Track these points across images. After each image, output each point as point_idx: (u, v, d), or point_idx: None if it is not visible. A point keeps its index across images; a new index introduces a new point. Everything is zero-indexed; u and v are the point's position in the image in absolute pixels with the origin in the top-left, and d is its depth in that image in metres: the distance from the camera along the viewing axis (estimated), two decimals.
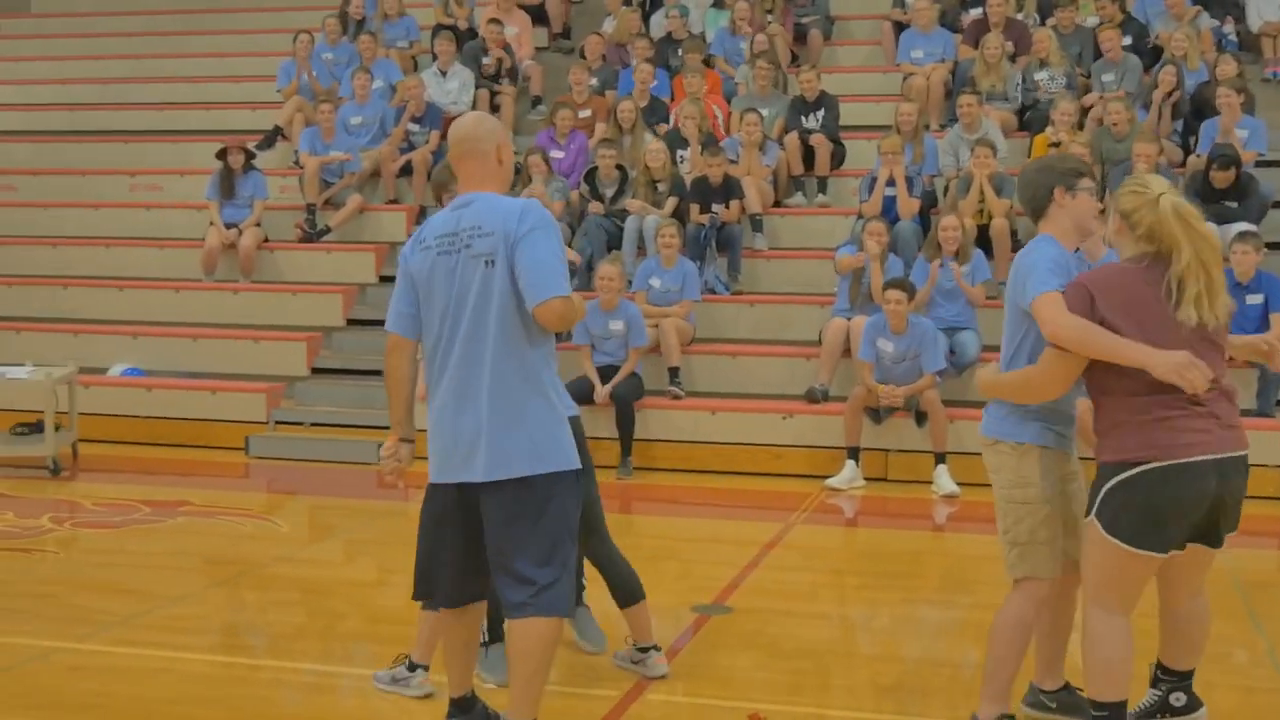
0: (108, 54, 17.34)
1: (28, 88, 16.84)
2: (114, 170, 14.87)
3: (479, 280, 4.36)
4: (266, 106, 15.19)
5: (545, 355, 4.45)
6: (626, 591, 5.62)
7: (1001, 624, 4.95)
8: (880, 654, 6.46)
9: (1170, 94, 12.34)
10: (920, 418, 10.03)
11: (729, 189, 11.94)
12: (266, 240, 13.07)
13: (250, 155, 13.16)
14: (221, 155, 13.05)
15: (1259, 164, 11.94)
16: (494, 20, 14.83)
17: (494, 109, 14.48)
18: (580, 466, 4.52)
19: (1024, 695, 5.28)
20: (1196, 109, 12.42)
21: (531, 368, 4.38)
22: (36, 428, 10.16)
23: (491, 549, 4.45)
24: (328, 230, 13.18)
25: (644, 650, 5.68)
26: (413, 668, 5.44)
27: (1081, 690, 5.24)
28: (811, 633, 6.63)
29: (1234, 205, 11.07)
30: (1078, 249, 5.03)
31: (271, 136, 14.48)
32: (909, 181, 11.79)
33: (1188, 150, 12.22)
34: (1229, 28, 13.99)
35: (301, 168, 13.47)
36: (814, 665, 6.07)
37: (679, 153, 12.66)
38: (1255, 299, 10.13)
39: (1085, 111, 12.78)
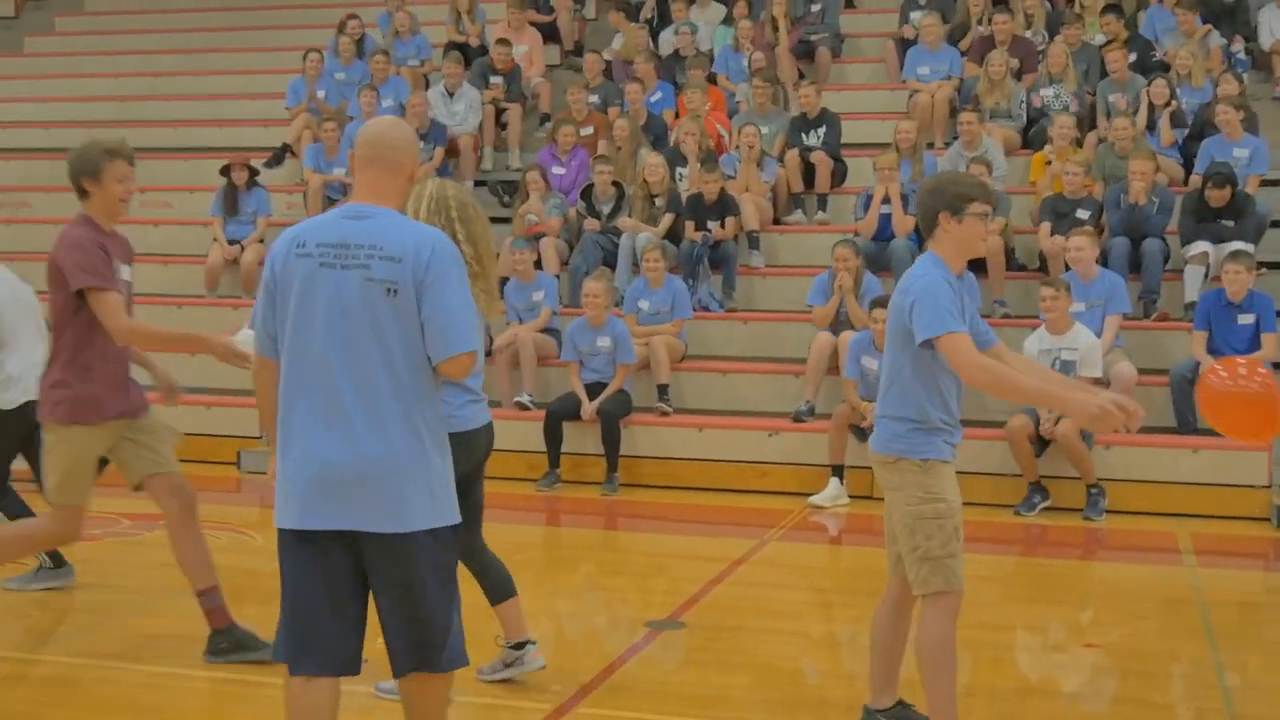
0: (128, 72, 17.55)
1: (50, 105, 17.05)
2: None
3: (376, 307, 3.90)
4: (279, 124, 15.32)
5: (439, 395, 4.09)
6: (499, 588, 5.58)
7: (927, 645, 4.90)
8: (825, 670, 6.41)
9: (1166, 105, 12.23)
10: None
11: (724, 206, 11.93)
12: None
13: (254, 172, 13.30)
14: (225, 172, 13.20)
15: (1263, 183, 11.83)
16: (502, 41, 14.89)
17: (501, 126, 14.59)
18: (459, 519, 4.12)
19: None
20: (1200, 128, 12.30)
21: (433, 408, 4.02)
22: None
23: (383, 604, 4.02)
24: None
25: (519, 646, 5.65)
26: (519, 645, 5.58)
27: (914, 705, 5.21)
28: (761, 648, 6.58)
29: (1230, 224, 10.96)
30: (961, 273, 4.99)
31: (280, 154, 14.61)
32: (904, 199, 11.74)
33: (1189, 169, 12.11)
34: (1238, 46, 13.86)
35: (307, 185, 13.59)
36: (752, 680, 6.04)
37: (678, 170, 12.67)
38: (1247, 319, 10.06)
39: (1092, 128, 12.74)
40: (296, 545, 3.98)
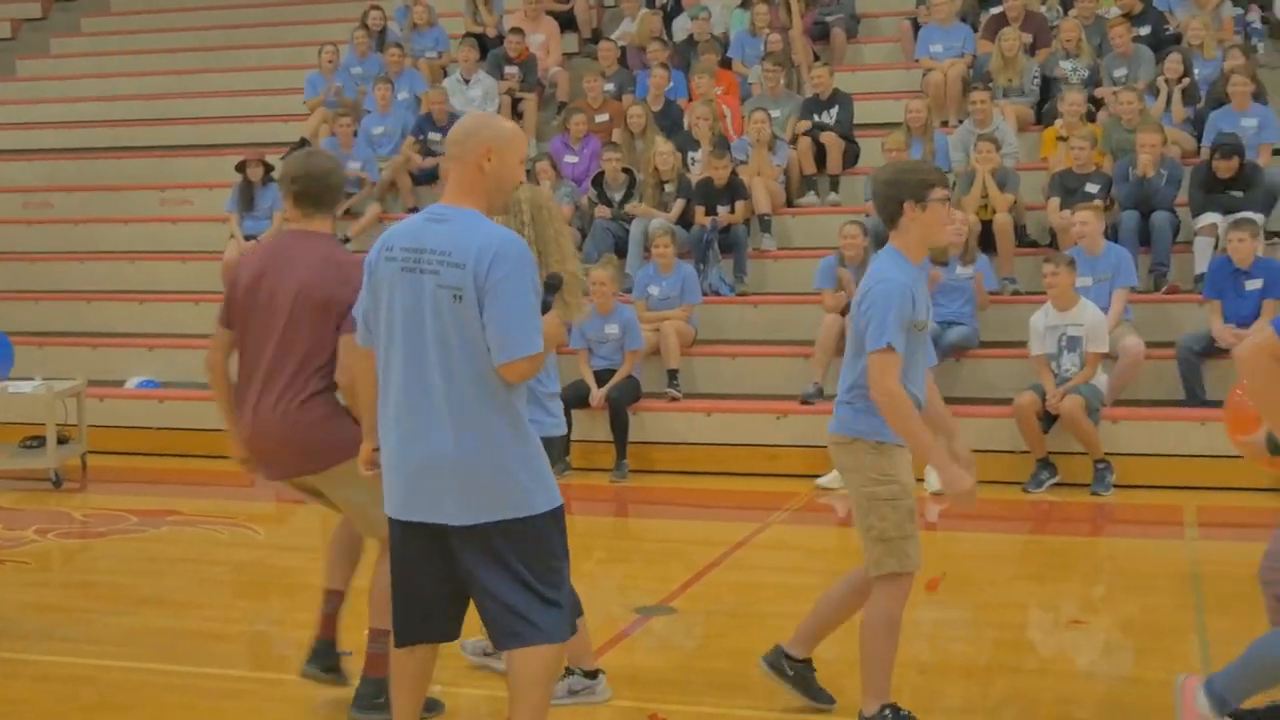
0: (153, 70, 17.71)
1: (75, 105, 17.22)
2: (146, 185, 15.22)
3: (446, 311, 4.07)
4: (299, 119, 15.44)
5: (520, 391, 4.17)
6: None
7: (872, 623, 4.98)
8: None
9: (1180, 80, 12.11)
10: None
11: (734, 190, 11.93)
12: None
13: (269, 168, 13.40)
14: (241, 168, 13.30)
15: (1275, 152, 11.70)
16: (516, 30, 14.92)
17: (516, 115, 14.62)
18: (560, 502, 4.25)
19: (766, 653, 5.39)
20: (1217, 100, 12.14)
21: (506, 404, 4.12)
22: (44, 440, 10.39)
23: (474, 590, 4.21)
24: (347, 240, 13.35)
25: None
26: (592, 675, 5.49)
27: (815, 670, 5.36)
28: (745, 633, 6.59)
29: (1239, 194, 10.85)
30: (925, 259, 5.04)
31: (297, 149, 14.69)
32: None
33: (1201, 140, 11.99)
34: (1254, 15, 13.68)
35: None
36: (734, 666, 6.04)
37: (690, 155, 12.67)
38: (1254, 284, 9.99)
39: (1100, 103, 12.62)
40: (396, 530, 4.28)
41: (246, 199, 13.30)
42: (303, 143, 14.75)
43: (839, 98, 12.98)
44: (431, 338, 4.08)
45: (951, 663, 6.23)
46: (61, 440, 10.38)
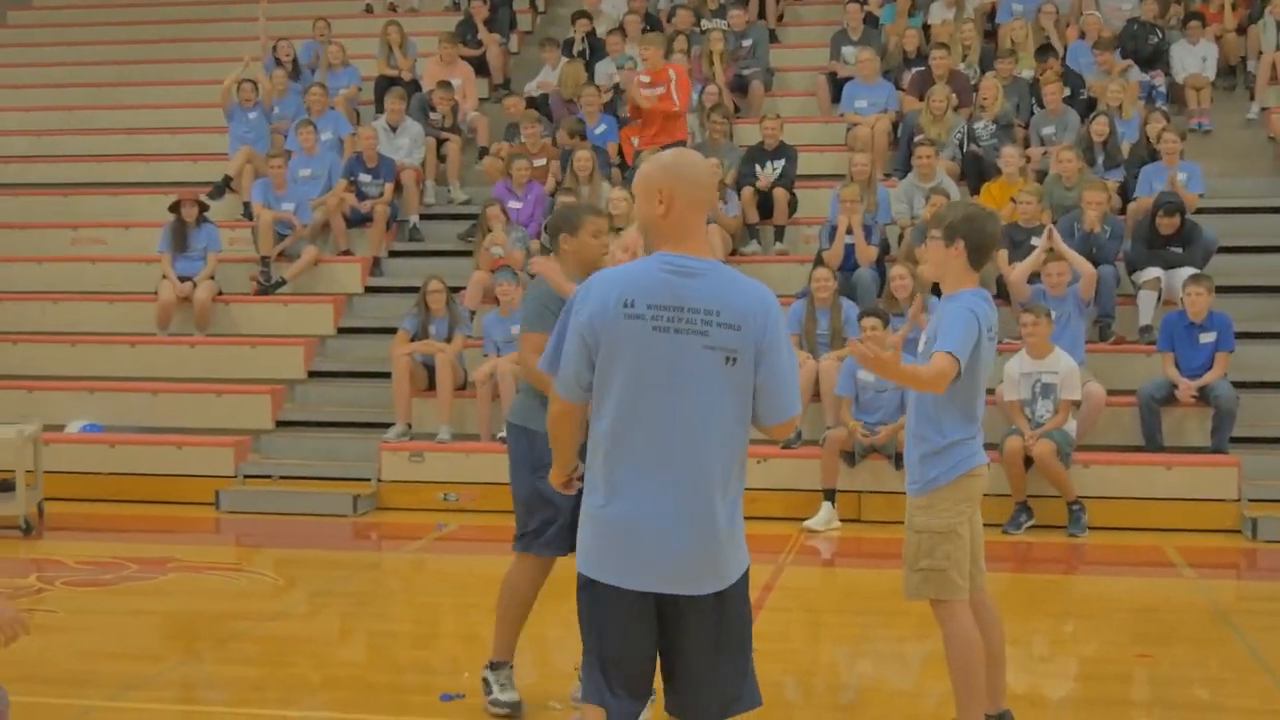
0: (39, 105, 17.13)
1: None
2: (53, 224, 14.70)
3: (713, 374, 3.86)
4: (207, 158, 15.18)
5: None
6: None
7: None
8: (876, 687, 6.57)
9: (1104, 142, 12.75)
10: (899, 460, 10.22)
11: None
12: (221, 293, 12.97)
13: (204, 208, 13.10)
14: (175, 208, 12.97)
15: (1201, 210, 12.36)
16: (444, 84, 14.84)
17: (441, 159, 14.58)
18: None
19: None
20: (1140, 159, 12.77)
21: (743, 467, 4.00)
22: (5, 486, 9.95)
23: (695, 661, 3.97)
24: (283, 282, 13.12)
25: None
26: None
27: None
28: (805, 668, 6.74)
29: (1179, 250, 11.45)
30: None
31: (221, 187, 14.41)
32: (866, 230, 12.03)
33: (1125, 197, 12.61)
34: (1160, 80, 14.46)
35: (251, 220, 13.43)
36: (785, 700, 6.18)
37: None
38: (1209, 337, 10.52)
39: (1027, 161, 13.17)
40: (611, 597, 3.92)
41: (180, 239, 12.96)
42: (227, 182, 14.49)
43: (785, 149, 13.27)
44: (699, 399, 3.85)
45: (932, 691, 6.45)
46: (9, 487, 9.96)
